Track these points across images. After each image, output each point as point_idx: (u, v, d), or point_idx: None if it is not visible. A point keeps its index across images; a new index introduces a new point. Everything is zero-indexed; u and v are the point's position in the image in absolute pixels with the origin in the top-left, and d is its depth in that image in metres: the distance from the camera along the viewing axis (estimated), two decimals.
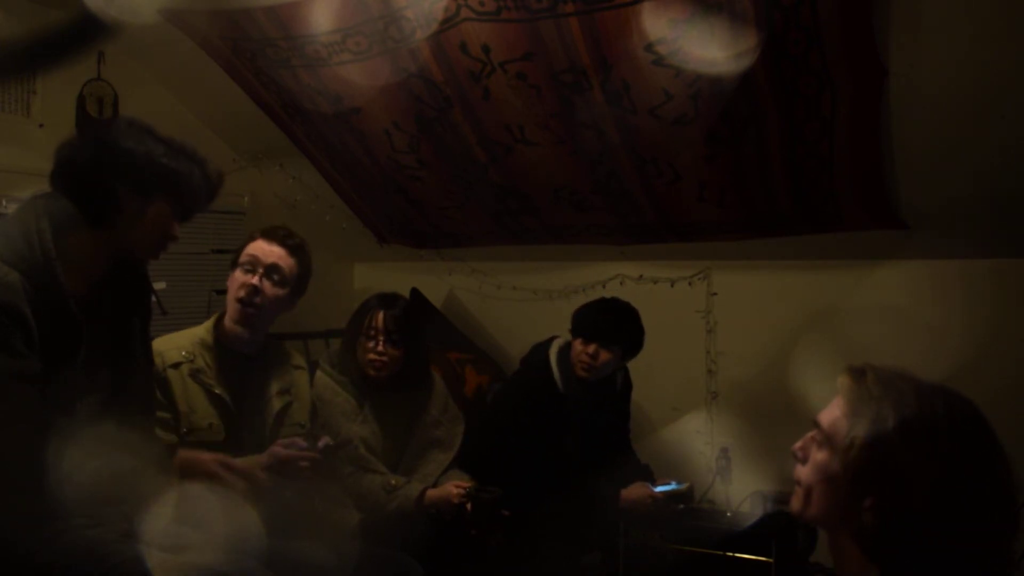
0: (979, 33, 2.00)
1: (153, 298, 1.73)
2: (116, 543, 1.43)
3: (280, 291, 2.05)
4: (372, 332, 2.39)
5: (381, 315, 2.40)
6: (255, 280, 2.02)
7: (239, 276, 2.05)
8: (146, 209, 1.54)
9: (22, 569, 1.40)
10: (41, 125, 2.84)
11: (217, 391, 1.99)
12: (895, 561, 1.04)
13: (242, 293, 2.01)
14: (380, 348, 2.38)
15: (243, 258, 2.06)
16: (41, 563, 1.40)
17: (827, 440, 1.12)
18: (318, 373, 2.41)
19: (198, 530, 1.33)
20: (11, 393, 1.34)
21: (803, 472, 1.16)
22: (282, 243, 2.07)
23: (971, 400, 1.08)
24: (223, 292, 2.13)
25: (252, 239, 2.09)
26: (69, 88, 2.89)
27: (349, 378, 2.40)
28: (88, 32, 2.05)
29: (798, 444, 1.18)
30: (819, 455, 1.13)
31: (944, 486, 1.01)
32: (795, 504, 1.17)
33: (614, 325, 2.58)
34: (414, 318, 2.52)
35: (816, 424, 1.15)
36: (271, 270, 2.04)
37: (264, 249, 2.05)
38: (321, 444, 1.97)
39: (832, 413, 1.13)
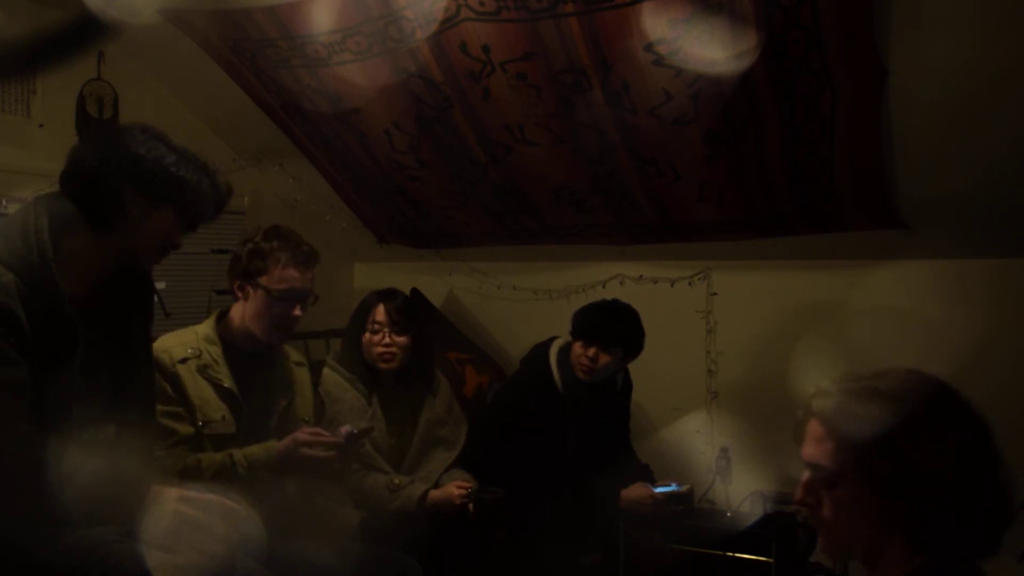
0: (979, 33, 2.00)
1: (156, 299, 1.72)
2: (116, 543, 1.43)
3: (309, 303, 2.09)
4: (376, 326, 2.44)
5: (382, 308, 2.46)
6: (298, 312, 2.02)
7: (276, 308, 2.01)
8: (151, 215, 1.53)
9: (22, 569, 1.40)
10: (41, 125, 2.84)
11: (226, 385, 2.00)
12: (942, 545, 1.05)
13: (286, 325, 2.04)
14: (387, 340, 2.43)
15: (276, 291, 2.00)
16: (41, 562, 1.40)
17: (836, 474, 1.08)
18: (325, 370, 2.44)
19: (197, 531, 1.33)
20: None
21: (829, 515, 1.11)
22: (308, 265, 2.05)
23: (922, 370, 1.11)
24: (223, 292, 2.13)
25: (282, 266, 2.01)
26: (69, 88, 2.89)
27: (357, 375, 2.43)
28: (88, 32, 2.05)
29: (801, 495, 1.13)
30: (838, 492, 1.09)
31: (955, 456, 1.03)
32: (836, 551, 1.14)
33: (614, 328, 2.57)
34: (414, 308, 2.60)
35: (813, 466, 1.11)
36: (305, 295, 2.05)
37: (300, 279, 2.03)
38: (344, 432, 1.98)
39: (824, 447, 1.10)
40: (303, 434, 1.91)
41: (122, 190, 1.50)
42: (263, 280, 2.02)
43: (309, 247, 2.08)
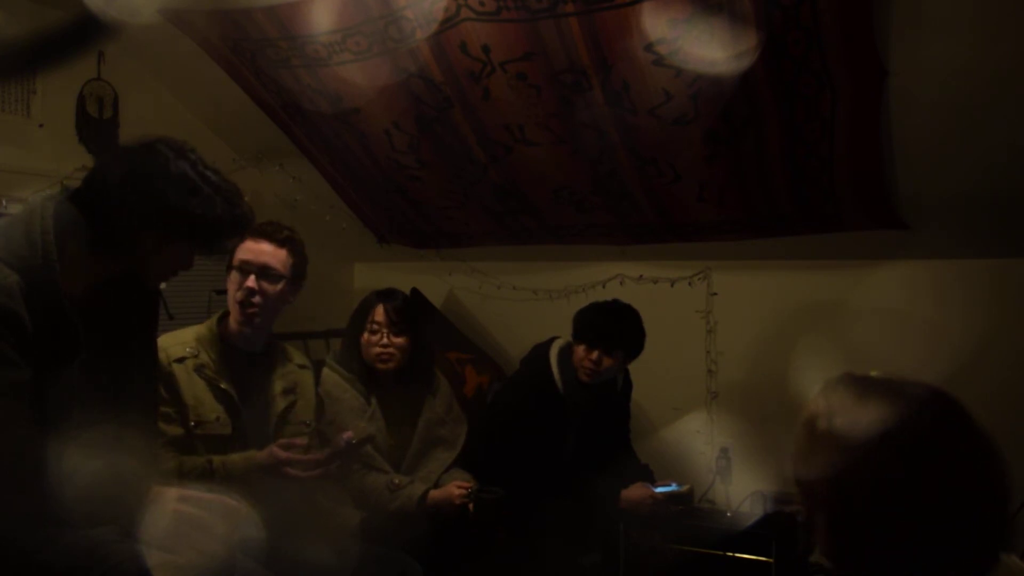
0: (979, 33, 2.01)
1: (160, 302, 1.72)
2: (116, 543, 1.43)
3: (277, 286, 2.06)
4: (375, 327, 2.44)
5: (381, 308, 2.45)
6: (251, 283, 2.03)
7: (236, 279, 2.06)
8: (164, 248, 1.52)
9: (22, 569, 1.40)
10: (41, 125, 2.84)
11: (222, 386, 2.00)
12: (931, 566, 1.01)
13: (240, 296, 2.03)
14: (385, 340, 2.42)
15: (237, 261, 2.07)
16: (41, 563, 1.39)
17: (823, 480, 1.06)
18: (325, 370, 2.44)
19: (197, 531, 1.32)
20: None
21: (817, 518, 1.09)
22: (270, 239, 2.07)
23: (936, 387, 1.06)
24: (223, 292, 2.13)
25: (242, 239, 2.07)
26: (69, 88, 2.89)
27: (356, 375, 2.43)
28: (88, 32, 2.05)
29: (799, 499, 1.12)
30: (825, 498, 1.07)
31: (956, 480, 0.99)
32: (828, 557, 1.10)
33: (617, 331, 2.56)
34: (414, 309, 2.58)
35: (804, 470, 1.09)
36: (264, 269, 2.05)
37: (254, 249, 2.06)
38: (345, 438, 1.98)
39: (815, 451, 1.07)
40: (282, 452, 1.90)
41: (138, 229, 1.47)
42: (232, 261, 2.06)
43: (277, 225, 2.09)
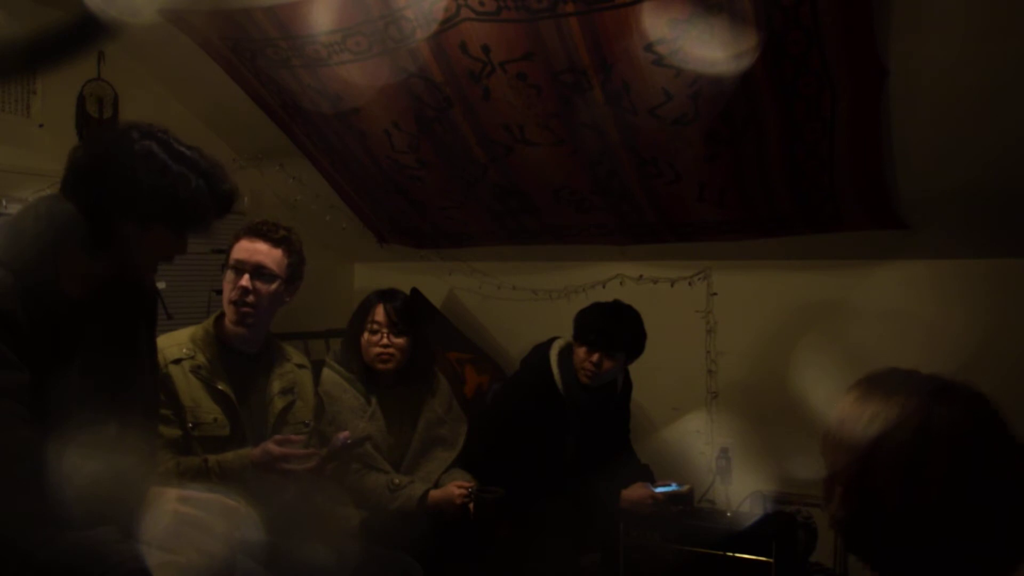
0: (979, 32, 2.00)
1: (158, 301, 1.72)
2: (116, 543, 1.43)
3: (271, 286, 2.05)
4: (375, 326, 2.44)
5: (381, 308, 2.45)
6: (244, 282, 2.02)
7: (230, 278, 2.05)
8: (143, 235, 1.49)
9: (22, 569, 1.40)
10: (41, 125, 2.84)
11: (220, 387, 1.99)
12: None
13: (234, 295, 2.03)
14: (385, 340, 2.42)
15: (232, 260, 2.06)
16: (41, 563, 1.39)
17: (840, 475, 1.07)
18: (325, 370, 2.44)
19: (197, 531, 1.33)
20: None
21: (836, 512, 1.10)
22: (265, 238, 2.06)
23: (965, 384, 1.05)
24: (222, 292, 2.13)
25: (237, 239, 2.08)
26: (69, 88, 2.89)
27: (356, 375, 2.43)
28: (88, 32, 2.05)
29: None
30: (842, 492, 1.08)
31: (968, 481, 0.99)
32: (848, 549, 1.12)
33: (618, 333, 2.55)
34: (414, 309, 2.58)
35: (827, 462, 1.10)
36: (258, 269, 2.04)
37: (248, 248, 2.05)
38: (342, 438, 1.98)
39: (834, 445, 1.08)
40: (276, 448, 1.89)
41: (112, 216, 1.45)
42: (228, 260, 2.06)
43: (271, 225, 2.08)
